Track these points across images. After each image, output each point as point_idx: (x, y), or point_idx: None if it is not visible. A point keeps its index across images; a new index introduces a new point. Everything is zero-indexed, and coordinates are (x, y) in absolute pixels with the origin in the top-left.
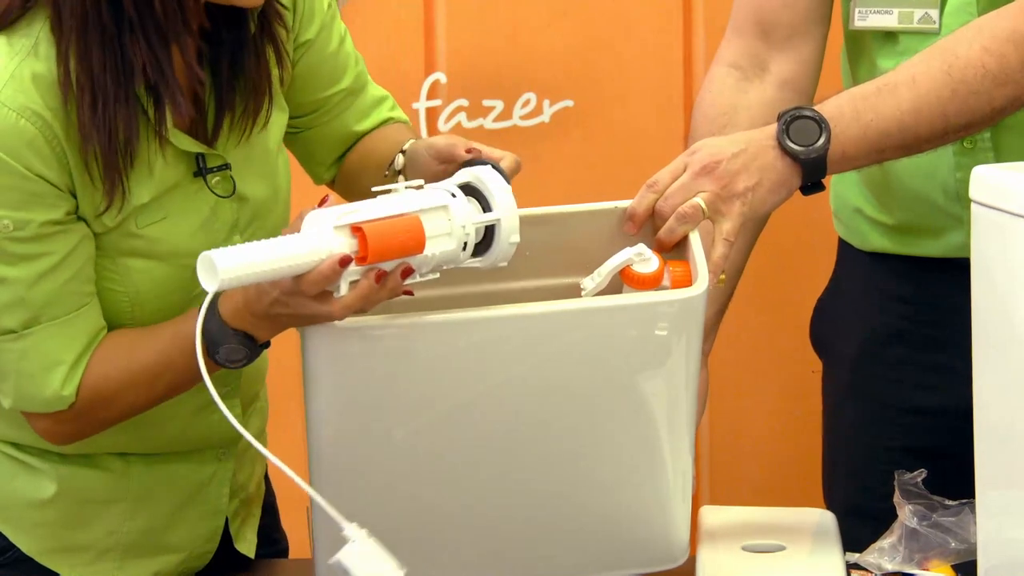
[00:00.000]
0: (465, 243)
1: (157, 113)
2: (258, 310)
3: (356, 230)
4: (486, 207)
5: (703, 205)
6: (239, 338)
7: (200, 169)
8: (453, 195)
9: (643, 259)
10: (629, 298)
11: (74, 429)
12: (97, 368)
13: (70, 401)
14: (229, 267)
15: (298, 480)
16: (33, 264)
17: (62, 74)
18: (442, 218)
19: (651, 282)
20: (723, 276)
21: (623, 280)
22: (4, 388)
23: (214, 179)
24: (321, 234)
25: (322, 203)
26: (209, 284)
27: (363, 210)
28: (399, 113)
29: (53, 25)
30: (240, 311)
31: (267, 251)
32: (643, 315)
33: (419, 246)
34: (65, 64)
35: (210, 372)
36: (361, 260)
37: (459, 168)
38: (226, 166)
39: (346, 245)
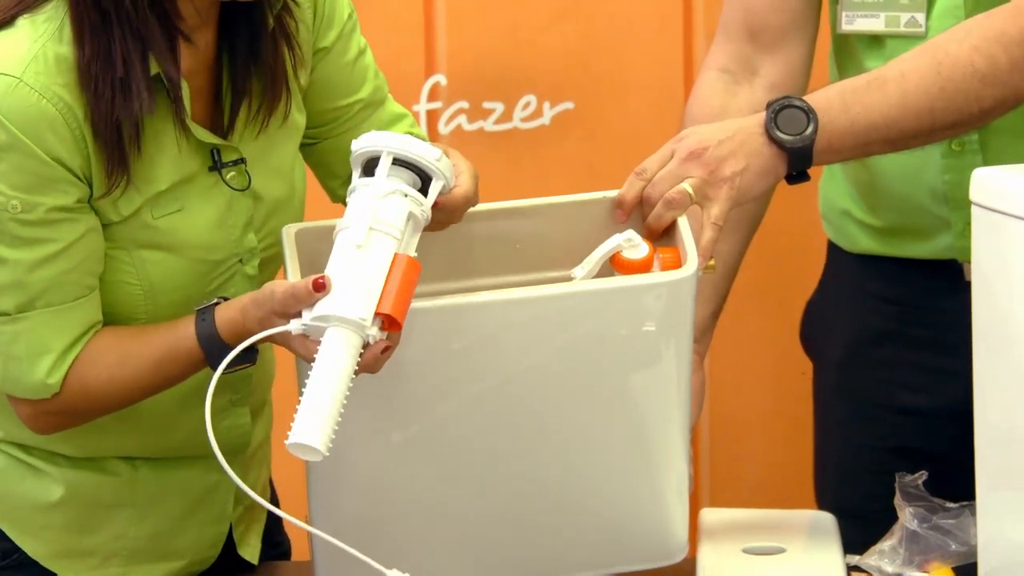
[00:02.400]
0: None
1: (173, 102)
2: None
3: (380, 314)
4: (415, 171)
5: (690, 190)
6: (240, 353)
7: (215, 163)
8: (396, 191)
9: (632, 245)
10: (619, 281)
11: (56, 420)
12: (86, 362)
13: (54, 390)
14: (321, 436)
15: (313, 530)
16: (35, 248)
17: (79, 56)
18: (413, 227)
19: (641, 268)
20: (712, 262)
21: (613, 267)
22: None
23: (229, 173)
24: (348, 336)
25: (318, 288)
26: (316, 456)
27: (361, 278)
28: (419, 131)
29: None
30: (239, 330)
31: (326, 392)
32: (633, 297)
33: (419, 272)
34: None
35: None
36: (392, 327)
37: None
38: (241, 161)
39: (375, 331)
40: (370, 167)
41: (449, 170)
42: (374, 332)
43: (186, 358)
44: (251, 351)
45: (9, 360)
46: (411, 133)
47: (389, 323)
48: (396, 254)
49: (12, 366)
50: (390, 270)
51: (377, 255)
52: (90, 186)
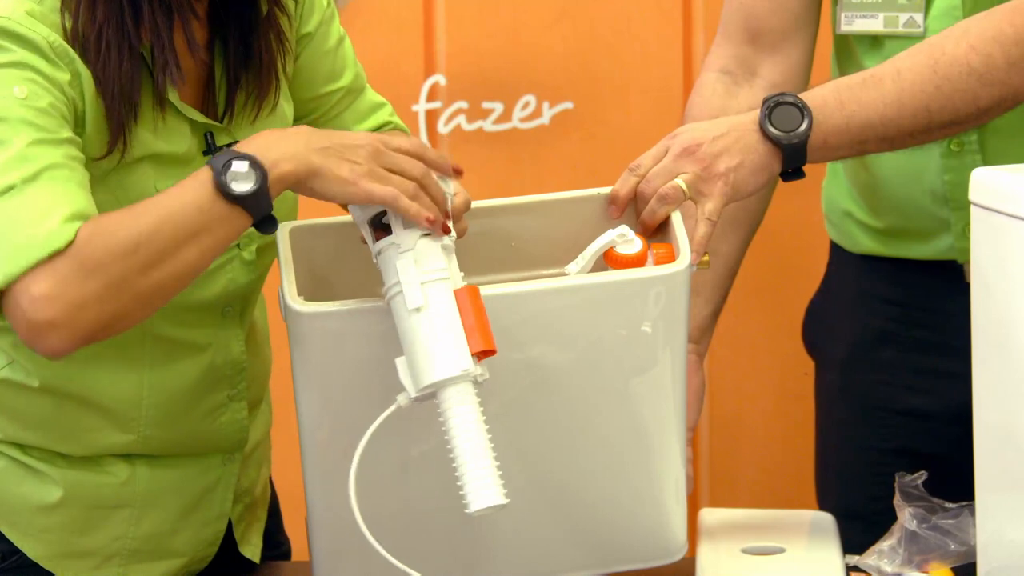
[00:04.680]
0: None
1: (161, 76)
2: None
3: (475, 353)
4: None
5: (684, 186)
6: (263, 224)
7: (210, 147)
8: (420, 235)
9: (626, 240)
10: (612, 275)
11: (74, 290)
12: (97, 220)
13: (68, 238)
14: (498, 491)
15: (369, 537)
16: (39, 131)
17: (69, 24)
18: (448, 256)
19: (635, 263)
20: (707, 258)
21: (607, 262)
22: None
23: None
24: (464, 388)
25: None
26: (500, 506)
27: (442, 334)
28: (398, 120)
29: None
30: (259, 145)
31: (479, 448)
32: (627, 292)
33: (479, 293)
34: (73, 14)
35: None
36: (486, 355)
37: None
38: (235, 144)
39: (479, 369)
40: (378, 219)
41: (446, 180)
42: (479, 371)
43: (196, 186)
44: (272, 222)
45: (16, 228)
46: (391, 122)
47: (484, 354)
48: (455, 292)
49: (19, 233)
50: (460, 309)
51: (441, 306)
52: (83, 128)
